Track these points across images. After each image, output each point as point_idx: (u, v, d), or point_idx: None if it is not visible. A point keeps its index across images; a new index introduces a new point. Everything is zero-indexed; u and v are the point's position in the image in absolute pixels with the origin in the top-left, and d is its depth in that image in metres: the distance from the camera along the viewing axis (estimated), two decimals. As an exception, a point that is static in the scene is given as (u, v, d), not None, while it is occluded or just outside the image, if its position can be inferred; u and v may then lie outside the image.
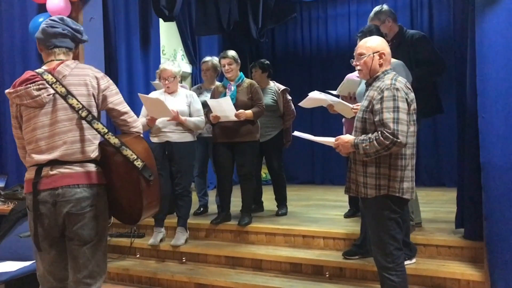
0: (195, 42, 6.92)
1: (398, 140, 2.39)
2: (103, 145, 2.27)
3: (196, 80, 6.86)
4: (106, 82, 2.33)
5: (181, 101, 4.07)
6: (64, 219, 2.21)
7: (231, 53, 4.26)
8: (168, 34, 6.50)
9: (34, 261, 2.42)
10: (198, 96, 4.35)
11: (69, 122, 2.23)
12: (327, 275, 3.56)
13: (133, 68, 5.29)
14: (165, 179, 4.09)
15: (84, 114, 2.19)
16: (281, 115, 4.82)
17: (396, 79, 2.53)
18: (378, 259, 2.59)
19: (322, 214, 4.71)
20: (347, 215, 4.44)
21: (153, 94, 4.17)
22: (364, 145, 2.47)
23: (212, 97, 4.31)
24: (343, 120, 4.28)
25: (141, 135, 2.43)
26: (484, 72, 2.95)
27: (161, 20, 5.50)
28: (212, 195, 5.13)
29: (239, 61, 4.29)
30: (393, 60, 3.19)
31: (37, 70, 2.26)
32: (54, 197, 2.19)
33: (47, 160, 2.21)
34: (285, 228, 4.08)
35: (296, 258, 3.73)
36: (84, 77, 2.27)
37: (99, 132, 2.21)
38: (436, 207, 4.86)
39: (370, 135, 2.48)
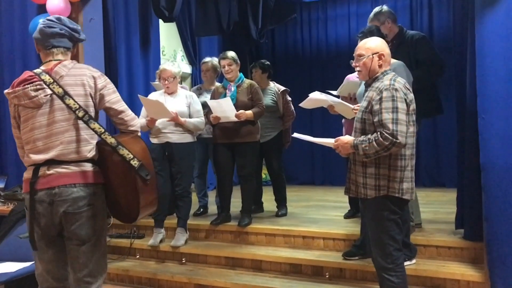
0: (195, 43, 6.92)
1: (398, 141, 2.39)
2: (101, 144, 2.28)
3: (196, 80, 6.87)
4: (103, 81, 2.33)
5: (181, 102, 4.08)
6: (61, 219, 2.22)
7: (231, 54, 4.26)
8: (168, 34, 6.50)
9: (34, 262, 2.42)
10: (198, 97, 4.35)
11: (66, 122, 2.24)
12: (327, 276, 3.56)
13: (133, 68, 5.29)
14: (165, 180, 4.10)
15: (81, 114, 2.20)
16: (281, 116, 4.82)
17: (395, 79, 2.53)
18: (378, 260, 2.59)
19: (322, 214, 4.71)
20: (347, 216, 4.44)
21: (152, 95, 4.17)
22: (363, 146, 2.47)
23: (212, 98, 4.31)
24: (343, 121, 4.28)
25: (139, 134, 2.44)
26: (484, 73, 2.94)
27: (161, 20, 5.50)
28: (212, 196, 5.13)
29: (238, 62, 4.29)
30: (394, 60, 3.20)
31: (35, 71, 2.27)
32: (51, 197, 2.20)
33: (44, 159, 2.22)
34: (285, 228, 4.08)
35: (296, 258, 3.73)
36: (81, 77, 2.28)
37: (95, 132, 2.22)
38: (436, 207, 4.86)
39: (369, 136, 2.48)
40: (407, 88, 2.54)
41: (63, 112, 2.23)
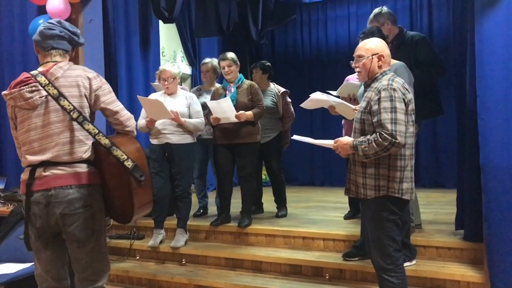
0: (194, 44, 6.93)
1: (397, 141, 2.39)
2: (97, 145, 2.29)
3: (196, 81, 6.87)
4: (98, 82, 2.35)
5: (180, 103, 4.08)
6: (57, 220, 2.24)
7: (230, 55, 4.26)
8: (167, 35, 6.50)
9: (33, 263, 2.43)
10: (197, 98, 4.35)
11: (61, 123, 2.25)
12: (327, 277, 3.55)
13: (133, 69, 5.29)
14: (165, 181, 4.10)
15: (75, 115, 2.21)
16: (281, 117, 4.82)
17: (393, 79, 2.53)
18: (378, 261, 2.59)
19: (322, 215, 4.70)
20: (347, 217, 4.44)
21: (152, 96, 4.17)
22: (363, 146, 2.47)
23: (212, 99, 4.31)
24: (343, 121, 4.28)
25: (135, 134, 2.45)
26: (483, 74, 2.95)
27: (160, 21, 5.50)
28: (212, 197, 5.12)
29: (238, 63, 4.30)
30: (395, 61, 3.20)
31: (32, 72, 2.29)
32: (47, 198, 2.22)
33: (40, 161, 2.24)
34: (285, 229, 4.08)
35: (296, 259, 3.73)
36: (76, 78, 2.29)
37: (90, 133, 2.23)
38: (436, 208, 4.86)
39: (368, 136, 2.48)
40: (406, 88, 2.54)
41: (58, 114, 2.25)
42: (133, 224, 4.42)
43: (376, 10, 3.95)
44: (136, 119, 4.12)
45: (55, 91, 2.22)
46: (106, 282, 2.42)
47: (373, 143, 2.43)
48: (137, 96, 4.00)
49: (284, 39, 8.02)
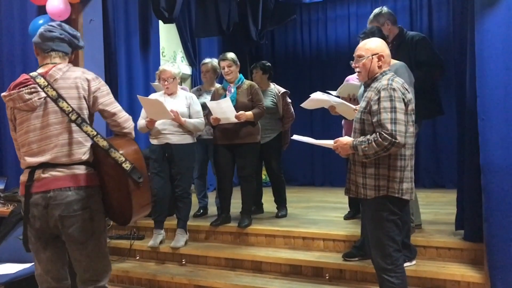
0: (194, 44, 6.93)
1: (397, 141, 2.39)
2: (96, 147, 2.29)
3: (196, 81, 6.87)
4: (97, 84, 2.35)
5: (180, 103, 4.07)
6: (56, 222, 2.24)
7: (230, 55, 4.26)
8: (167, 36, 6.50)
9: (34, 263, 2.44)
10: (197, 98, 4.35)
11: (59, 125, 2.26)
12: (327, 277, 3.55)
13: (133, 70, 5.30)
14: (165, 181, 4.09)
15: (73, 117, 2.22)
16: (280, 118, 4.82)
17: (392, 79, 2.53)
18: (377, 261, 2.59)
19: (322, 216, 4.70)
20: (347, 217, 4.44)
21: (152, 96, 4.17)
22: (363, 146, 2.47)
23: (213, 99, 4.31)
24: (343, 122, 4.28)
25: (133, 136, 2.45)
26: (483, 74, 2.95)
27: (160, 22, 5.50)
28: (212, 197, 5.12)
29: (238, 63, 4.30)
30: (395, 61, 3.20)
31: (31, 74, 2.29)
32: (46, 200, 2.22)
33: (39, 162, 2.24)
34: (285, 230, 4.08)
35: (296, 260, 3.73)
36: (75, 80, 2.29)
37: (88, 135, 2.24)
38: (436, 208, 4.86)
39: (368, 136, 2.48)
40: (405, 88, 2.54)
41: (57, 115, 2.25)
42: (133, 224, 4.42)
43: (376, 10, 3.95)
44: (136, 119, 4.14)
45: (54, 93, 2.23)
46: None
47: (373, 143, 2.43)
48: (137, 96, 4.00)
49: (284, 39, 8.02)
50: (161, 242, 4.20)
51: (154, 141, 4.08)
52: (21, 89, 2.24)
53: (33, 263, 2.46)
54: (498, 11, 2.88)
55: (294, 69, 7.71)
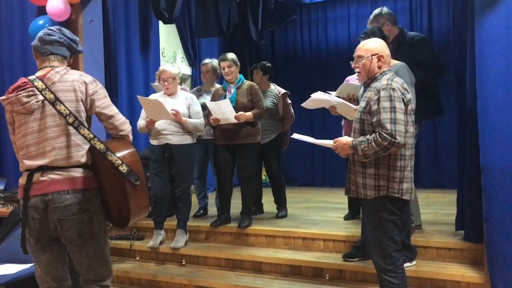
0: (194, 45, 6.93)
1: (396, 141, 2.39)
2: (94, 149, 2.30)
3: (196, 82, 6.87)
4: (94, 87, 2.36)
5: (180, 103, 4.07)
6: (55, 224, 2.24)
7: (230, 55, 4.26)
8: (167, 36, 6.50)
9: (34, 264, 2.44)
10: (197, 98, 4.35)
11: (57, 128, 2.26)
12: (327, 278, 3.55)
13: (133, 70, 5.29)
14: (165, 182, 4.09)
15: (71, 120, 2.23)
16: (280, 118, 4.82)
17: (392, 79, 2.53)
18: (377, 261, 2.58)
19: (322, 216, 4.70)
20: (347, 217, 4.44)
21: (152, 97, 4.17)
22: (362, 146, 2.47)
23: (213, 99, 4.31)
24: (342, 122, 4.27)
25: (130, 139, 2.45)
26: (483, 74, 2.95)
27: (160, 22, 5.50)
28: (212, 197, 5.12)
29: (238, 63, 4.30)
30: (396, 62, 3.20)
31: (29, 77, 2.31)
32: (45, 203, 2.23)
33: (37, 165, 2.25)
34: (285, 230, 4.08)
35: (296, 260, 3.73)
36: (72, 83, 2.30)
37: (85, 138, 2.24)
38: (436, 209, 4.86)
39: (368, 136, 2.48)
40: (405, 88, 2.54)
41: (55, 118, 2.26)
42: (133, 225, 4.42)
43: (376, 11, 3.95)
44: (136, 119, 4.14)
45: (52, 96, 2.24)
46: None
47: (373, 143, 2.43)
48: (137, 96, 4.00)
49: (284, 39, 8.02)
50: (161, 243, 4.20)
51: (154, 142, 4.08)
52: (19, 92, 2.25)
53: (32, 264, 2.47)
54: (498, 11, 2.88)
55: (294, 70, 7.71)
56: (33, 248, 2.33)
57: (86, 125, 2.30)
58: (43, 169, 2.24)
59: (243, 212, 4.30)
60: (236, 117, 4.01)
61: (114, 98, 4.55)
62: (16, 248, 3.34)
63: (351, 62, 2.72)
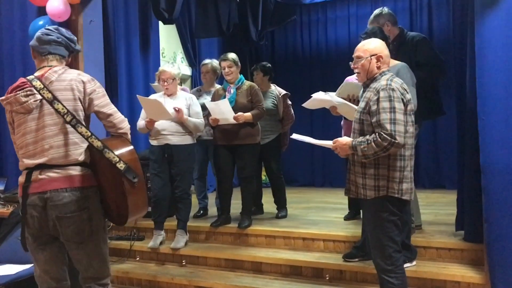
0: (194, 45, 6.93)
1: (396, 141, 2.39)
2: (91, 148, 2.31)
3: (196, 82, 6.87)
4: (92, 85, 2.37)
5: (180, 104, 4.07)
6: (54, 222, 2.25)
7: (232, 55, 4.26)
8: (167, 36, 6.50)
9: (33, 264, 2.44)
10: (197, 99, 4.35)
11: (55, 126, 2.28)
12: (327, 278, 3.55)
13: (132, 70, 5.29)
14: (165, 182, 4.09)
15: (68, 118, 2.24)
16: (280, 119, 4.82)
17: (391, 79, 2.53)
18: (378, 262, 2.59)
19: (322, 216, 4.70)
20: (347, 218, 4.44)
21: (152, 97, 4.16)
22: (362, 147, 2.47)
23: (213, 100, 4.31)
24: (342, 122, 4.27)
25: (128, 137, 2.46)
26: (483, 74, 2.94)
27: (160, 22, 5.50)
28: (212, 198, 5.12)
29: (239, 64, 4.30)
30: (397, 62, 3.21)
31: (28, 77, 2.33)
32: (44, 201, 2.24)
33: (36, 164, 2.26)
34: (285, 230, 4.08)
35: (296, 260, 3.73)
36: (70, 82, 2.32)
37: (82, 136, 2.26)
38: (436, 209, 4.86)
39: (368, 136, 2.48)
40: (404, 89, 2.54)
41: (53, 117, 2.28)
42: (133, 225, 4.43)
43: (377, 11, 3.95)
44: (136, 119, 4.14)
45: (50, 95, 2.26)
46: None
47: (372, 144, 2.43)
48: (137, 96, 4.00)
49: (284, 40, 8.02)
50: (161, 243, 4.19)
51: (153, 142, 4.08)
52: (18, 92, 2.27)
53: (33, 264, 2.47)
54: (498, 12, 2.88)
55: (294, 70, 7.71)
56: (31, 246, 2.34)
57: (83, 123, 2.31)
58: (41, 167, 2.26)
59: (243, 213, 4.30)
60: (235, 118, 4.01)
61: (114, 98, 4.56)
62: (16, 249, 3.35)
63: (351, 62, 2.72)
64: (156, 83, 4.42)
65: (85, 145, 2.32)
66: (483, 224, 3.03)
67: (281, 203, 4.79)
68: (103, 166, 2.28)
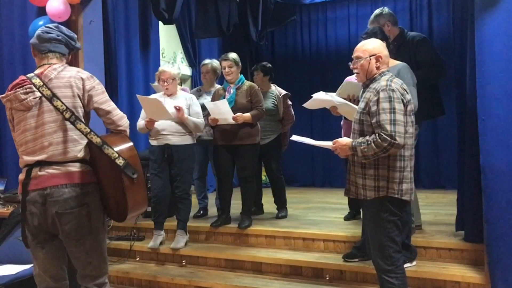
0: (194, 45, 6.93)
1: (396, 142, 2.39)
2: (91, 144, 2.32)
3: (196, 82, 6.87)
4: (91, 82, 2.38)
5: (180, 104, 4.07)
6: (53, 219, 2.26)
7: (232, 55, 4.26)
8: (167, 37, 6.50)
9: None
10: (197, 99, 4.35)
11: (54, 123, 2.29)
12: (327, 278, 3.55)
13: (132, 71, 5.30)
14: (165, 182, 4.09)
15: (67, 115, 2.26)
16: (280, 120, 4.82)
17: (391, 80, 2.52)
18: (378, 262, 2.58)
19: (322, 216, 4.70)
20: (347, 218, 4.44)
21: (152, 97, 4.16)
22: (362, 147, 2.47)
23: (213, 100, 4.31)
24: (342, 122, 4.27)
25: (127, 133, 2.47)
26: (483, 74, 2.94)
27: (160, 23, 5.51)
28: (212, 198, 5.12)
29: (240, 64, 4.30)
30: (397, 62, 3.20)
31: (28, 75, 2.34)
32: (44, 197, 2.25)
33: (35, 161, 2.28)
34: (285, 230, 4.08)
35: (296, 260, 3.73)
36: (69, 79, 2.33)
37: (82, 132, 2.27)
38: (436, 209, 4.86)
39: (367, 137, 2.48)
40: (404, 89, 2.54)
41: (52, 114, 2.29)
42: (133, 225, 4.43)
43: (377, 11, 3.95)
44: (136, 119, 4.14)
45: (49, 92, 2.27)
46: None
47: (372, 144, 2.42)
48: (137, 95, 4.00)
49: (284, 40, 8.02)
50: (161, 243, 4.19)
51: (153, 142, 4.08)
52: (17, 89, 2.29)
53: (33, 265, 2.47)
54: (498, 12, 2.88)
55: (294, 70, 7.70)
56: (30, 244, 2.35)
57: (83, 120, 2.32)
58: (41, 164, 2.27)
59: (243, 213, 4.30)
60: (234, 118, 4.01)
61: (114, 98, 4.55)
62: (16, 249, 3.36)
63: (350, 63, 2.71)
64: (156, 83, 4.42)
65: (84, 142, 2.33)
66: (483, 224, 3.03)
67: (281, 203, 4.79)
68: (102, 163, 2.29)
